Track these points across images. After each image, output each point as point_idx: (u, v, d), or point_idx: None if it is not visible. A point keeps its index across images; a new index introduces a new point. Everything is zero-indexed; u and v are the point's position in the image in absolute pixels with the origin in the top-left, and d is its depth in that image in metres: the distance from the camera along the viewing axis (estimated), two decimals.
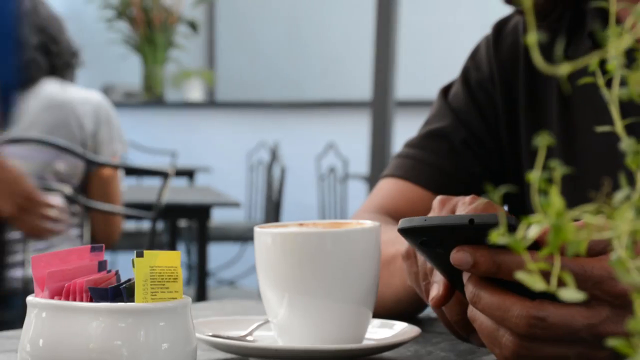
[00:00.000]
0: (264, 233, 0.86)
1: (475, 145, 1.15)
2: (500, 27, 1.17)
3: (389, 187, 1.17)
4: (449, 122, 1.16)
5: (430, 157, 1.16)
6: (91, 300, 0.71)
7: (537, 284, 0.35)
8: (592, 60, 0.39)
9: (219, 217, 4.79)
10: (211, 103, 6.11)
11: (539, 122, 1.11)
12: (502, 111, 1.14)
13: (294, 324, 0.85)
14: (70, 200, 2.45)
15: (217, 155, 5.80)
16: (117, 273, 0.74)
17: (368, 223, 0.88)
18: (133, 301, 0.70)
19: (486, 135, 1.15)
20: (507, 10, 1.16)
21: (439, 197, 0.90)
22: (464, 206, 0.86)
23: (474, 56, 1.18)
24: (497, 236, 0.37)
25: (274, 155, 4.47)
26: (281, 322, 0.86)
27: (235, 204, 3.36)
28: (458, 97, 1.17)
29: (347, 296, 0.85)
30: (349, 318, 0.86)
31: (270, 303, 0.87)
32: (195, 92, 6.06)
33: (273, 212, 3.63)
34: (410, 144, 1.19)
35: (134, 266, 0.71)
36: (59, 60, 2.54)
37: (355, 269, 0.85)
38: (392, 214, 1.14)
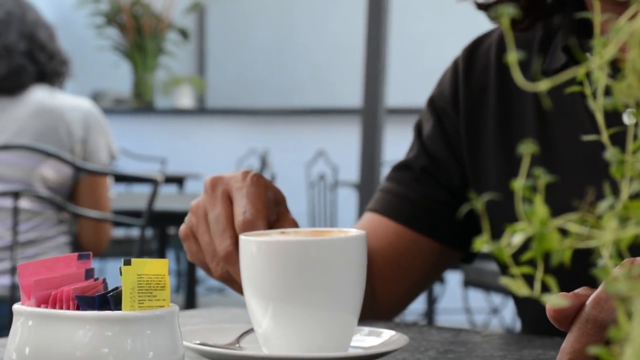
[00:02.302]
0: (248, 241, 0.86)
1: (436, 172, 1.17)
2: (472, 50, 1.18)
3: (364, 221, 1.20)
4: (415, 152, 1.20)
5: (397, 188, 1.19)
6: (78, 309, 0.71)
7: (520, 289, 0.35)
8: (574, 73, 0.39)
9: None
10: (201, 110, 6.11)
11: (515, 138, 1.12)
12: (465, 136, 1.16)
13: (278, 332, 0.85)
14: (58, 207, 2.45)
15: (207, 162, 5.80)
16: (104, 281, 0.74)
17: (353, 231, 0.88)
18: (120, 309, 0.70)
19: (451, 161, 1.17)
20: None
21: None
22: None
23: (440, 83, 1.20)
24: (481, 244, 0.37)
25: (264, 162, 4.47)
26: (266, 331, 0.86)
27: None
28: (425, 125, 1.20)
29: (331, 304, 0.85)
30: (334, 326, 0.86)
31: (255, 312, 0.86)
32: (185, 99, 6.06)
33: None
34: (385, 177, 1.23)
35: (121, 274, 0.71)
36: (47, 67, 2.54)
37: (339, 277, 0.85)
38: None
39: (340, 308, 0.85)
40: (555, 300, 0.37)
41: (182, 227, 1.00)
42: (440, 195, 1.17)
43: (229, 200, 0.97)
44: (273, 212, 0.97)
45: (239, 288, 0.95)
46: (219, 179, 0.98)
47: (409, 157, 1.20)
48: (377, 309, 1.18)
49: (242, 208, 0.95)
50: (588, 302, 0.71)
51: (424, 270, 1.18)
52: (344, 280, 0.85)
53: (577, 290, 0.73)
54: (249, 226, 0.94)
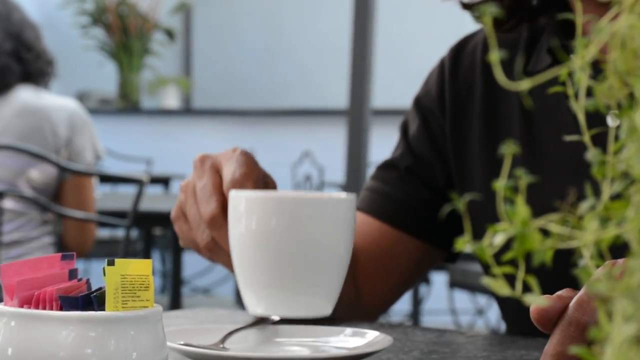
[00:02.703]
0: (239, 197, 0.86)
1: (421, 171, 1.18)
2: (458, 50, 1.18)
3: None
4: (400, 151, 1.20)
5: (381, 186, 1.19)
6: (61, 309, 0.70)
7: (502, 289, 0.35)
8: (556, 74, 0.39)
9: None
10: (187, 110, 6.10)
11: (500, 139, 1.12)
12: (450, 136, 1.16)
13: (265, 291, 0.85)
14: (43, 208, 2.44)
15: (192, 163, 5.78)
16: (88, 281, 0.74)
17: (343, 194, 0.88)
18: (104, 310, 0.70)
19: (436, 161, 1.17)
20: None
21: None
22: None
23: (426, 83, 1.21)
24: (463, 244, 0.37)
25: None
26: (253, 289, 0.86)
27: None
28: (410, 125, 1.20)
29: (319, 263, 0.85)
30: (319, 285, 0.86)
31: (242, 270, 0.86)
32: (171, 99, 6.05)
33: None
34: (370, 176, 1.23)
35: (104, 274, 0.70)
36: (33, 67, 2.53)
37: (328, 235, 0.85)
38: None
39: (326, 268, 0.85)
40: (537, 300, 0.37)
41: (173, 209, 1.01)
42: (425, 195, 1.17)
43: (217, 172, 0.97)
44: (261, 182, 0.97)
45: (225, 258, 0.95)
46: (208, 155, 0.99)
47: (394, 156, 1.21)
48: (361, 308, 1.18)
49: (230, 170, 0.95)
50: (571, 304, 0.71)
51: (408, 269, 1.19)
52: (332, 240, 0.85)
53: (559, 292, 0.73)
54: (237, 185, 0.93)
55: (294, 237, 0.83)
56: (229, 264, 0.95)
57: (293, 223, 0.84)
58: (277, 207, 0.84)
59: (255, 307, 0.86)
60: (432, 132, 1.18)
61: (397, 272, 1.18)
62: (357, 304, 1.17)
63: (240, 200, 0.85)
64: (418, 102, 1.20)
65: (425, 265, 1.21)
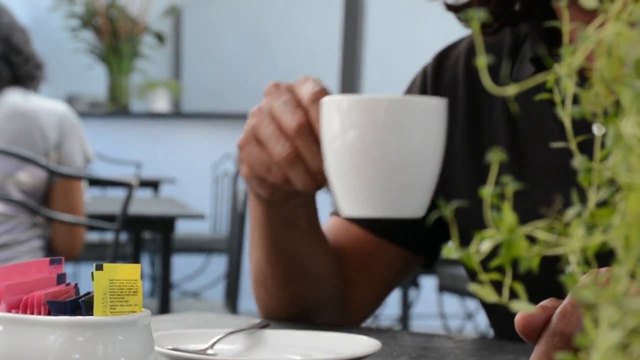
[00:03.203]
0: (334, 101, 0.87)
1: None
2: (440, 60, 1.18)
3: (330, 225, 1.20)
4: None
5: None
6: (49, 314, 0.70)
7: (489, 295, 0.35)
8: (542, 80, 0.39)
9: (183, 229, 4.77)
10: (177, 114, 6.09)
11: (485, 148, 1.12)
12: None
13: (363, 191, 0.86)
14: (32, 211, 2.43)
15: (182, 167, 5.78)
16: (76, 286, 0.74)
17: (434, 98, 0.89)
18: (92, 314, 0.70)
19: None
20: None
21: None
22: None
23: (408, 91, 1.20)
24: (450, 251, 0.37)
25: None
26: (350, 190, 0.86)
27: (199, 216, 3.35)
28: None
29: (415, 165, 0.86)
30: (415, 188, 0.86)
31: (338, 175, 0.87)
32: (160, 102, 6.05)
33: (238, 224, 3.63)
34: None
35: (93, 279, 0.70)
36: (22, 71, 2.53)
37: (425, 138, 0.86)
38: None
39: (423, 169, 0.86)
40: (523, 307, 0.37)
41: (241, 137, 1.00)
42: None
43: (294, 91, 0.98)
44: None
45: (302, 173, 0.95)
46: (280, 82, 1.00)
47: None
48: (347, 312, 1.18)
49: (309, 88, 0.97)
50: (554, 315, 0.72)
51: (390, 274, 1.19)
52: (429, 141, 0.86)
53: (544, 303, 0.74)
54: (323, 95, 0.94)
55: (393, 138, 0.85)
56: (304, 180, 0.95)
57: (393, 123, 0.85)
58: (377, 108, 0.85)
59: (352, 208, 0.87)
60: None
61: (379, 277, 1.18)
62: (343, 310, 1.17)
63: (337, 103, 0.87)
64: None
65: (406, 271, 1.21)
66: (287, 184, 0.98)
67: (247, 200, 1.12)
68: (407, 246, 1.17)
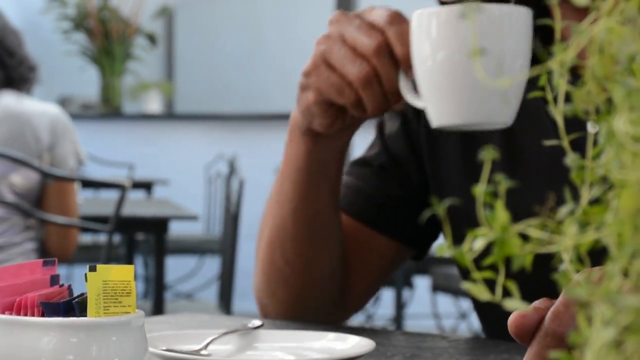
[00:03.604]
0: (427, 13, 0.89)
1: (394, 170, 1.18)
2: None
3: None
4: (376, 150, 1.21)
5: (354, 182, 1.20)
6: (43, 315, 0.70)
7: (482, 294, 0.35)
8: (535, 74, 0.39)
9: (176, 230, 4.77)
10: (169, 115, 6.09)
11: (479, 145, 1.12)
12: (425, 144, 1.16)
13: (456, 99, 0.88)
14: (25, 213, 2.43)
15: (175, 168, 5.78)
16: (69, 287, 0.74)
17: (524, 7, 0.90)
18: (86, 316, 0.70)
19: (410, 160, 1.18)
20: None
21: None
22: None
23: None
24: (443, 250, 0.37)
25: (232, 167, 4.47)
26: (441, 99, 0.88)
27: (193, 217, 3.35)
28: (387, 124, 1.21)
29: (506, 72, 0.87)
30: (506, 95, 0.88)
31: (431, 81, 0.89)
32: (153, 104, 6.04)
33: (231, 225, 3.62)
34: (344, 172, 1.24)
35: (86, 280, 0.70)
36: (15, 73, 2.52)
37: (518, 45, 0.88)
38: None
39: (513, 76, 0.88)
40: (516, 305, 0.37)
41: (306, 65, 1.02)
42: (396, 193, 1.18)
43: (364, 17, 0.99)
44: None
45: (377, 93, 0.96)
46: (345, 12, 1.01)
47: (368, 154, 1.21)
48: (344, 298, 1.19)
49: (383, 10, 0.98)
50: (547, 315, 0.72)
51: (382, 265, 1.20)
52: (522, 49, 0.88)
53: (536, 303, 0.74)
54: (398, 18, 0.96)
55: (488, 44, 0.86)
56: (377, 100, 0.97)
57: (487, 30, 0.87)
58: (469, 18, 0.86)
59: (444, 117, 0.89)
60: (409, 132, 1.18)
61: (373, 266, 1.19)
62: (342, 296, 1.18)
63: (425, 16, 0.89)
64: None
65: (397, 262, 1.22)
66: (357, 107, 1.00)
67: (286, 147, 1.13)
68: (397, 238, 1.18)
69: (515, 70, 0.88)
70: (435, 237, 1.22)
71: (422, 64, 0.90)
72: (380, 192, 1.18)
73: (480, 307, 1.16)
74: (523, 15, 0.89)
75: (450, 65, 0.88)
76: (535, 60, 1.08)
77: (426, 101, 0.91)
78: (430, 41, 0.89)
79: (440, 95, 0.89)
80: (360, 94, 0.98)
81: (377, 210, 1.18)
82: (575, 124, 0.54)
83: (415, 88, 0.94)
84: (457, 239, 0.47)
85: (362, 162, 1.21)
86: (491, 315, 1.14)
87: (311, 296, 1.16)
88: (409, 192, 1.18)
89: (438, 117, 0.90)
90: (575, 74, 0.44)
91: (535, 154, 1.07)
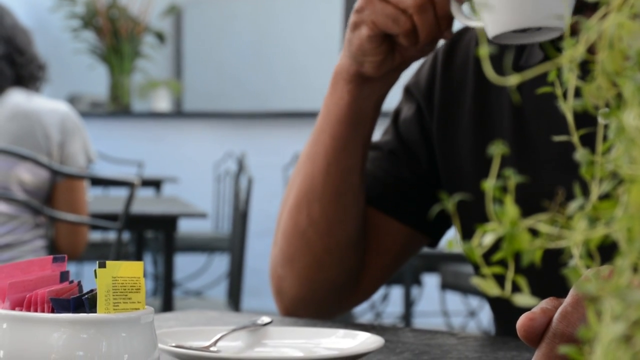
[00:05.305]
0: None
1: (404, 155, 1.19)
2: (452, 45, 1.19)
3: None
4: (389, 136, 1.22)
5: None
6: (53, 311, 0.70)
7: (491, 289, 0.35)
8: (545, 69, 0.39)
9: (185, 228, 4.78)
10: (178, 113, 6.09)
11: (492, 137, 1.12)
12: (437, 133, 1.17)
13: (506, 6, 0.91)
14: (35, 211, 2.44)
15: (184, 166, 5.79)
16: (79, 284, 0.74)
17: None
18: (95, 312, 0.70)
19: (421, 145, 1.19)
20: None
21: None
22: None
23: (417, 72, 1.21)
24: (452, 244, 0.37)
25: (241, 165, 4.47)
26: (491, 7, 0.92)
27: (202, 215, 3.35)
28: (403, 110, 1.22)
29: None
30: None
31: None
32: (162, 102, 6.05)
33: (240, 223, 3.63)
34: None
35: (96, 277, 0.70)
36: (25, 71, 2.53)
37: None
38: None
39: None
40: (525, 301, 0.37)
41: (357, 3, 1.05)
42: (405, 176, 1.19)
43: None
44: None
45: (431, 17, 1.01)
46: None
47: (380, 140, 1.23)
48: (359, 279, 1.19)
49: None
50: (555, 316, 0.72)
51: (395, 249, 1.20)
52: None
53: (543, 304, 0.74)
54: None
55: None
56: (432, 25, 1.02)
57: None
58: None
59: (500, 25, 0.92)
60: (422, 119, 1.19)
61: (387, 250, 1.20)
62: (353, 279, 1.19)
63: None
64: (408, 89, 1.21)
65: (411, 248, 1.22)
66: (411, 36, 1.03)
67: (325, 100, 1.15)
68: (408, 222, 1.19)
69: None
70: (448, 225, 1.22)
71: None
72: (390, 175, 1.19)
73: (493, 301, 1.16)
74: None
75: None
76: (546, 56, 1.08)
77: (482, 12, 0.94)
78: None
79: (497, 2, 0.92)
80: (415, 20, 1.02)
81: (386, 192, 1.19)
82: (586, 118, 0.54)
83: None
84: (470, 230, 0.47)
85: (373, 146, 1.21)
86: (504, 309, 1.14)
87: (329, 265, 1.16)
88: (419, 178, 1.18)
89: (494, 26, 0.92)
90: (585, 69, 0.44)
91: (548, 145, 1.07)
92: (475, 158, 1.13)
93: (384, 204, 1.19)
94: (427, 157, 1.18)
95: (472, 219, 0.76)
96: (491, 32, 0.93)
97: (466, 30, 1.20)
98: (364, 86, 1.11)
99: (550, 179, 1.03)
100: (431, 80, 1.18)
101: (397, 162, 1.19)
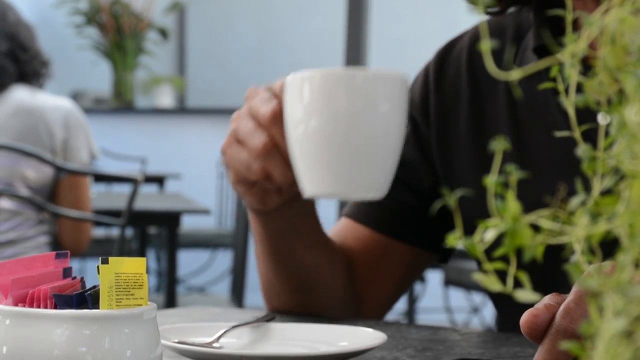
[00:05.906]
0: (295, 78, 0.88)
1: (406, 176, 1.17)
2: (443, 57, 1.18)
3: (339, 226, 1.21)
4: None
5: None
6: (56, 307, 0.71)
7: (493, 285, 0.35)
8: (545, 65, 0.39)
9: (189, 224, 4.78)
10: (181, 109, 6.10)
11: (488, 140, 1.12)
12: (435, 146, 1.16)
13: (323, 171, 0.86)
14: (39, 207, 2.44)
15: (187, 162, 5.79)
16: (82, 280, 0.74)
17: (396, 73, 0.89)
18: (98, 308, 0.70)
19: (422, 164, 1.18)
20: (474, 18, 1.16)
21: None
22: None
23: (410, 89, 1.19)
24: (454, 239, 0.37)
25: None
26: (312, 168, 0.86)
27: (205, 211, 3.35)
28: None
29: (377, 143, 0.85)
30: (377, 167, 0.86)
31: (302, 150, 0.87)
32: (165, 98, 6.05)
33: (243, 219, 3.63)
34: None
35: (99, 273, 0.71)
36: (28, 67, 2.53)
37: (389, 114, 0.85)
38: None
39: (384, 147, 0.86)
40: (527, 296, 0.37)
41: (223, 143, 1.00)
42: (410, 200, 1.17)
43: (272, 87, 0.98)
44: None
45: (280, 163, 0.94)
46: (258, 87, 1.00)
47: None
48: (363, 312, 1.19)
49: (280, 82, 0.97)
50: (558, 313, 0.72)
51: (402, 272, 1.19)
52: (392, 118, 0.86)
53: (546, 300, 0.74)
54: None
55: (356, 114, 0.84)
56: (282, 170, 0.95)
57: (355, 98, 0.85)
58: (337, 82, 0.85)
59: (313, 187, 0.87)
60: (419, 137, 1.17)
61: (392, 276, 1.19)
62: (358, 309, 1.18)
63: (296, 81, 0.87)
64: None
65: (419, 267, 1.21)
66: (268, 180, 0.98)
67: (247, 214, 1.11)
68: (415, 244, 1.18)
69: (382, 141, 0.86)
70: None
71: (289, 134, 0.88)
72: (392, 199, 1.18)
73: (495, 297, 1.16)
74: (396, 81, 0.86)
75: (315, 138, 0.85)
76: (547, 51, 1.08)
77: (297, 169, 0.88)
78: (293, 112, 0.87)
79: (305, 166, 0.87)
80: (265, 166, 0.96)
81: (390, 217, 1.17)
82: (585, 115, 0.54)
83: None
84: (470, 232, 0.47)
85: None
86: (506, 305, 1.14)
87: (322, 316, 1.15)
88: (421, 197, 1.17)
89: (306, 187, 0.87)
90: (587, 65, 0.44)
91: (544, 145, 1.07)
92: (474, 166, 1.13)
93: (388, 228, 1.17)
94: (427, 174, 1.17)
95: (472, 222, 0.76)
96: (306, 191, 0.88)
97: (456, 40, 1.19)
98: (267, 216, 1.07)
99: (548, 180, 1.03)
100: (425, 93, 1.17)
101: (400, 186, 1.18)
